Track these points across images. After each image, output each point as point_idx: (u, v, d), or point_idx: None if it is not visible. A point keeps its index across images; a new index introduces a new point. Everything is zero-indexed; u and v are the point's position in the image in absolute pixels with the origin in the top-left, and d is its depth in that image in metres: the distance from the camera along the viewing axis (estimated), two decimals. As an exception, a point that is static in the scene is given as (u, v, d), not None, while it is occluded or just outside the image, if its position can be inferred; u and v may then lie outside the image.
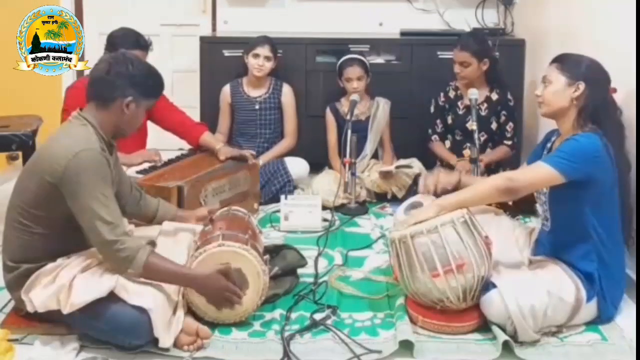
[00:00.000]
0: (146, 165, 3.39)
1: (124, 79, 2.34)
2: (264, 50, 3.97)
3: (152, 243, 2.52)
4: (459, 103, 3.88)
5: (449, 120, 3.92)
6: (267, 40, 4.00)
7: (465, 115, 3.78)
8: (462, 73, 3.76)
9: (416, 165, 3.91)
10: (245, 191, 3.51)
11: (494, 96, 3.85)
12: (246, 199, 3.48)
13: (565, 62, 2.54)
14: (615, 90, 2.57)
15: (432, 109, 3.97)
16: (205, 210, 2.76)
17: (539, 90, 2.57)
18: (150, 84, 2.41)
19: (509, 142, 3.86)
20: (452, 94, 3.92)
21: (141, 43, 3.43)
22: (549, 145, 2.66)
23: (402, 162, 3.87)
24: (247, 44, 4.02)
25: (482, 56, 3.76)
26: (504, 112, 3.84)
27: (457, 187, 2.75)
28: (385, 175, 3.79)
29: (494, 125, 3.86)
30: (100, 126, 2.35)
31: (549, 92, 2.52)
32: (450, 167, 3.83)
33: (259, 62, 3.97)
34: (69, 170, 2.21)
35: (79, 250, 2.35)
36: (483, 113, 3.83)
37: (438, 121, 3.96)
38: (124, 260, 2.22)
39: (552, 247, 2.56)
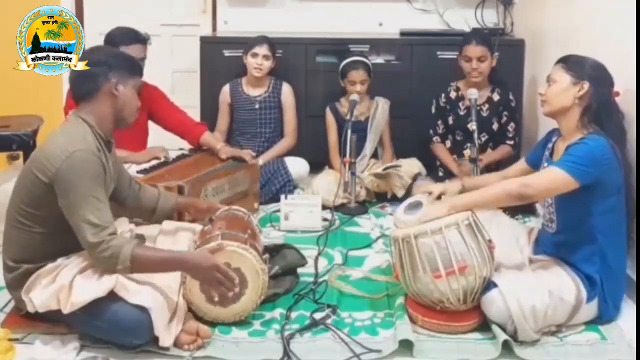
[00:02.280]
0: (147, 165, 3.40)
1: (100, 65, 2.36)
2: (262, 49, 3.97)
3: (140, 237, 2.52)
4: (460, 104, 3.88)
5: (450, 121, 3.92)
6: (265, 39, 4.01)
7: (466, 116, 3.77)
8: (480, 69, 3.74)
9: (416, 164, 3.92)
10: (244, 191, 3.52)
11: (495, 97, 3.85)
12: (245, 199, 3.49)
13: (570, 62, 2.53)
14: (618, 94, 2.57)
15: (433, 110, 3.97)
16: (205, 204, 2.76)
17: (543, 89, 2.57)
18: (127, 62, 2.44)
19: (511, 142, 3.86)
20: (453, 94, 3.92)
21: (139, 37, 3.43)
22: (550, 145, 2.65)
23: (390, 163, 3.86)
24: (247, 44, 4.03)
25: (493, 51, 3.78)
26: (505, 112, 3.84)
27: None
28: (379, 177, 3.79)
29: (495, 126, 3.86)
30: (98, 122, 2.35)
31: (553, 90, 2.52)
32: (450, 170, 3.84)
33: (258, 61, 3.97)
34: (62, 170, 2.21)
35: (79, 250, 2.35)
36: (484, 114, 3.83)
37: (439, 122, 3.96)
38: (110, 258, 2.20)
39: (555, 248, 2.56)
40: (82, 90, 2.39)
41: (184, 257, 2.35)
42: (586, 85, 2.47)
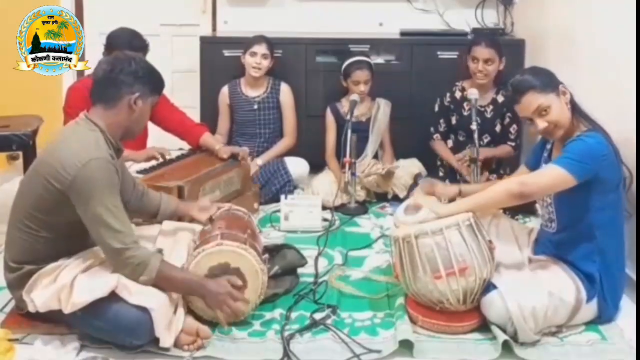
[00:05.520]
0: (147, 165, 3.40)
1: (128, 75, 2.33)
2: (260, 48, 3.97)
3: (160, 251, 2.51)
4: (465, 104, 3.85)
5: (453, 121, 3.91)
6: (263, 38, 4.00)
7: (470, 116, 3.70)
8: (485, 71, 3.71)
9: (416, 165, 3.92)
10: (238, 189, 3.51)
11: (500, 98, 3.83)
12: (243, 198, 3.48)
13: (540, 83, 2.44)
14: None
15: (436, 108, 3.95)
16: (207, 201, 2.76)
17: (541, 122, 2.45)
18: (154, 79, 2.42)
19: (512, 144, 3.84)
20: (458, 94, 3.90)
21: (135, 45, 3.40)
22: (548, 146, 2.64)
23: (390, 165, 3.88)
24: (245, 43, 4.01)
25: (501, 54, 3.76)
26: (509, 113, 3.82)
27: (455, 199, 2.75)
28: (384, 176, 3.80)
29: (498, 128, 3.85)
30: (108, 129, 2.34)
31: (555, 114, 2.44)
32: (451, 167, 3.83)
33: (257, 60, 3.96)
34: (79, 179, 2.20)
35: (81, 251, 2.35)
36: (488, 115, 3.82)
37: (441, 120, 3.94)
38: (137, 267, 2.22)
39: (555, 247, 2.55)
40: (103, 93, 2.35)
41: (203, 283, 2.34)
42: (565, 89, 2.47)
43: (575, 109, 2.49)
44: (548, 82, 2.46)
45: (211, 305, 2.36)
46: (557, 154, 2.52)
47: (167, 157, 3.48)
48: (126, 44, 3.32)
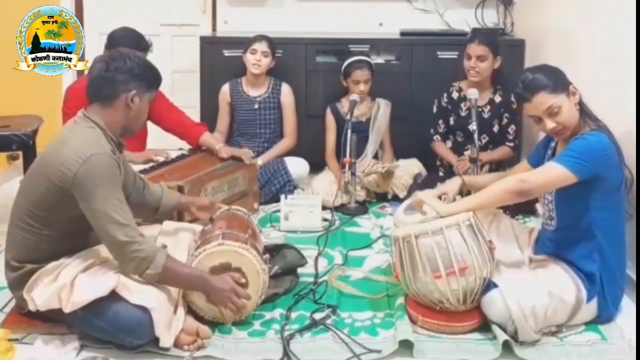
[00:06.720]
0: (147, 165, 3.40)
1: (124, 73, 2.32)
2: (261, 46, 3.96)
3: (165, 246, 2.51)
4: (462, 104, 3.86)
5: (451, 122, 3.91)
6: (264, 37, 4.00)
7: (467, 116, 3.73)
8: (477, 68, 3.71)
9: (416, 165, 3.92)
10: (243, 190, 3.52)
11: (497, 98, 3.83)
12: (245, 199, 3.49)
13: (551, 82, 2.42)
14: None
15: (434, 109, 3.95)
16: (207, 201, 2.76)
17: (551, 123, 2.43)
18: (149, 75, 2.41)
19: (511, 144, 3.84)
20: (455, 95, 3.90)
21: (141, 45, 3.41)
22: (552, 144, 2.64)
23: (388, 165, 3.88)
24: (246, 42, 4.02)
25: (496, 53, 3.76)
26: (506, 114, 3.83)
27: (462, 191, 2.75)
28: (384, 175, 3.80)
29: (495, 128, 3.85)
30: (107, 126, 2.33)
31: (565, 116, 2.42)
32: (451, 167, 3.83)
33: (257, 57, 3.96)
34: (81, 175, 2.19)
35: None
36: (485, 115, 3.82)
37: (440, 121, 3.94)
38: (143, 260, 2.21)
39: (555, 246, 2.55)
40: (99, 92, 2.34)
41: (207, 278, 2.35)
42: (575, 90, 2.46)
43: (583, 109, 2.48)
44: (560, 82, 2.45)
45: (214, 302, 2.36)
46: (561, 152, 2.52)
47: (166, 157, 3.47)
48: (134, 46, 3.31)
